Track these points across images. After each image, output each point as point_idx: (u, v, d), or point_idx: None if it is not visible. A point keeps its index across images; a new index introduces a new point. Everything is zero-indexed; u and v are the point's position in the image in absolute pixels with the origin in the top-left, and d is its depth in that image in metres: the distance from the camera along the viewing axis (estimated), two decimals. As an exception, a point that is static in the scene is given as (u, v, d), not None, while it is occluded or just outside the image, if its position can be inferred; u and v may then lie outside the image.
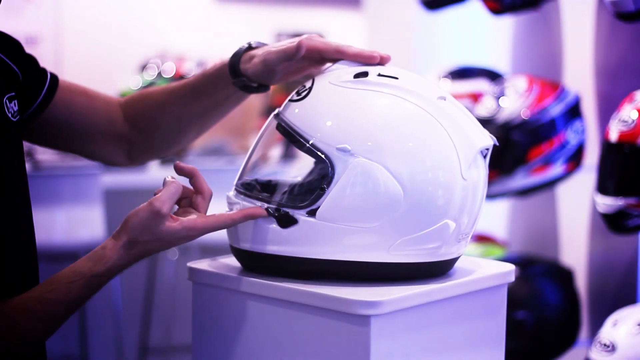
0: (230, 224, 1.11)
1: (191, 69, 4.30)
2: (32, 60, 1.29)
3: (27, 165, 1.25)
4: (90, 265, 1.08)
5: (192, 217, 1.10)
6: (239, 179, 1.20)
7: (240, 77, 1.26)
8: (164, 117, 1.37)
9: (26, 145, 1.26)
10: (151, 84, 4.01)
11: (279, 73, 1.23)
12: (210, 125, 1.40)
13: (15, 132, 1.17)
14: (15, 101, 1.18)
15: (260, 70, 1.23)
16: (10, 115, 1.15)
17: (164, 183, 1.11)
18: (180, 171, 1.15)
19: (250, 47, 1.26)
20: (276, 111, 1.18)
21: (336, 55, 1.17)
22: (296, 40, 1.19)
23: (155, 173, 3.39)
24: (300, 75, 1.25)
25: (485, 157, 1.13)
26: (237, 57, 1.26)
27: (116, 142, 1.39)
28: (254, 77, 1.24)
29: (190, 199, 1.14)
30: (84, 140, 1.37)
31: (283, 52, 1.19)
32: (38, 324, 1.07)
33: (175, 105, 1.36)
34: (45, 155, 3.36)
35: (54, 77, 1.32)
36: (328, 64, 1.19)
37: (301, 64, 1.22)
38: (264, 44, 1.27)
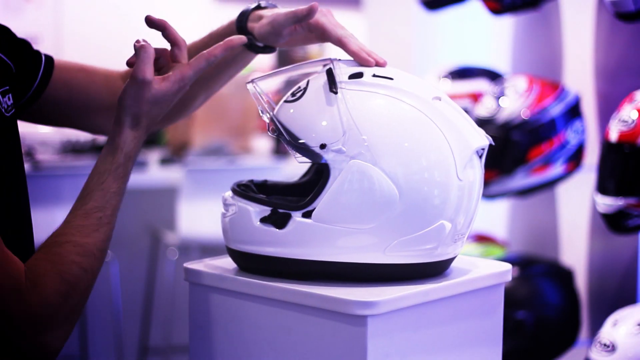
0: (213, 59, 1.14)
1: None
2: (24, 45, 1.28)
3: (27, 165, 1.25)
4: (110, 159, 1.10)
5: (177, 69, 1.12)
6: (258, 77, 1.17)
7: (247, 34, 1.26)
8: None
9: (26, 145, 1.25)
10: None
11: (285, 37, 1.24)
12: (217, 88, 1.40)
13: (9, 127, 1.17)
14: (10, 95, 1.18)
15: (267, 30, 1.24)
16: (3, 110, 1.15)
17: (135, 50, 1.12)
18: (150, 24, 1.16)
19: (259, 7, 1.27)
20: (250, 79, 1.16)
21: (337, 44, 1.18)
22: (308, 4, 1.20)
23: (155, 173, 3.39)
24: (304, 44, 1.27)
25: (481, 157, 1.13)
26: (245, 15, 1.27)
27: None
28: (260, 37, 1.25)
29: (167, 56, 1.16)
30: (87, 116, 1.38)
31: (293, 14, 1.20)
32: (96, 235, 1.08)
33: None
34: (45, 155, 3.36)
35: (49, 59, 1.32)
36: (326, 62, 1.18)
37: (307, 35, 1.23)
38: (274, 5, 1.28)
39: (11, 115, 1.18)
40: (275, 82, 1.19)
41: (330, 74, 1.11)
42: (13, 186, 1.16)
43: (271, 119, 1.12)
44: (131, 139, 1.11)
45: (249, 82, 1.15)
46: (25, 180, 1.21)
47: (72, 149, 3.53)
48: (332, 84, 1.10)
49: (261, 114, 1.13)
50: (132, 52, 1.13)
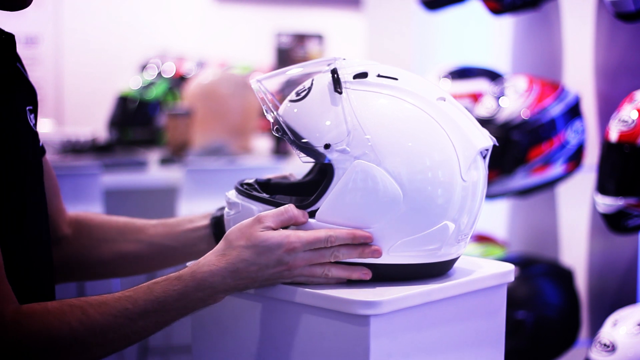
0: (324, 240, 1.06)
1: (191, 69, 4.31)
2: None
3: None
4: (181, 271, 1.06)
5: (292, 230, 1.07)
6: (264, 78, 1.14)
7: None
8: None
9: None
10: (151, 84, 4.01)
11: None
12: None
13: (37, 142, 1.17)
14: (33, 115, 1.17)
15: None
16: (32, 125, 1.15)
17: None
18: None
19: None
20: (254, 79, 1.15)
21: None
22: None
23: (156, 173, 3.39)
24: None
25: (484, 157, 1.13)
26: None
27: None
28: None
29: None
30: None
31: None
32: (110, 319, 1.02)
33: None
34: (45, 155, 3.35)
35: (43, 148, 1.28)
36: (330, 61, 1.18)
37: None
38: None
39: (37, 132, 1.18)
40: (276, 82, 1.19)
41: (334, 73, 1.11)
42: (40, 200, 1.16)
43: (275, 119, 1.12)
44: (207, 261, 1.05)
45: (254, 81, 1.14)
46: (45, 197, 1.19)
47: (72, 149, 3.53)
48: (336, 83, 1.10)
49: (265, 114, 1.13)
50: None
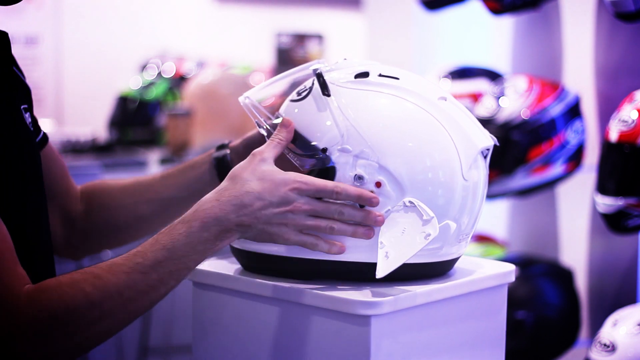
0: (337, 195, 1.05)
1: (191, 69, 4.31)
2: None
3: None
4: (184, 215, 1.05)
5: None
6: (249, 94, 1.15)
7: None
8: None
9: None
10: (151, 84, 4.01)
11: None
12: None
13: (34, 142, 1.17)
14: (29, 114, 1.17)
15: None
16: (28, 123, 1.15)
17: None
18: None
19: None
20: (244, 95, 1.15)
21: None
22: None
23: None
24: None
25: (485, 157, 1.13)
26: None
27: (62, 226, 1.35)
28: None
29: None
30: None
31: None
32: (122, 277, 0.99)
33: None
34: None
35: (46, 135, 1.28)
36: (314, 64, 1.17)
37: None
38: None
39: (34, 132, 1.18)
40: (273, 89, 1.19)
41: (320, 77, 1.11)
42: (40, 199, 1.16)
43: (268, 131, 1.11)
44: (207, 199, 1.04)
45: (242, 98, 1.14)
46: (45, 196, 1.19)
47: (72, 149, 3.53)
48: (323, 87, 1.10)
49: (258, 129, 1.13)
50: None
